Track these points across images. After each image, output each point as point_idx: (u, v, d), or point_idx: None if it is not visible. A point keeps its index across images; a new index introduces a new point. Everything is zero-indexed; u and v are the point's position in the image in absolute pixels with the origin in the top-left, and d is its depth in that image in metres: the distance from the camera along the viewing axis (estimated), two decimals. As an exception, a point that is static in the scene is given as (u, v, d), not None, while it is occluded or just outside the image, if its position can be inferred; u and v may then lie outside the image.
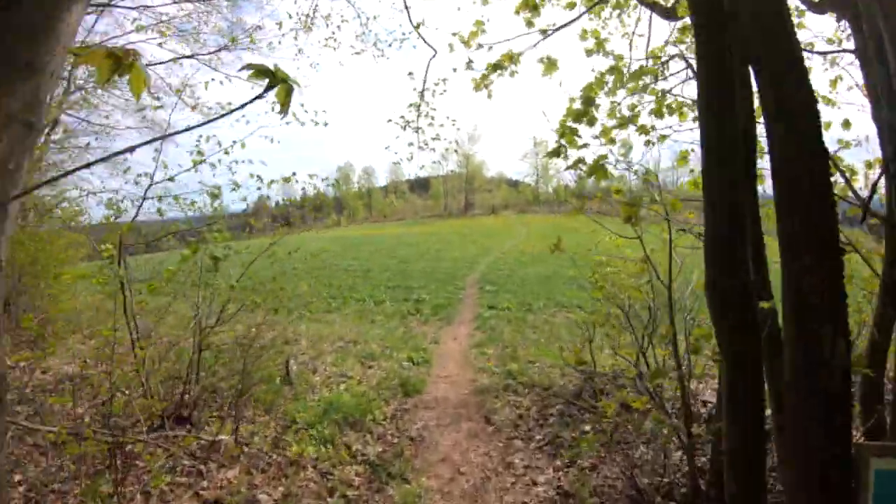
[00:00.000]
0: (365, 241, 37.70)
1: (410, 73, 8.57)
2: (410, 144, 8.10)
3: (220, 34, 11.72)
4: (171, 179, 3.97)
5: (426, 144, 8.27)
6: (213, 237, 4.09)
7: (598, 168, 2.83)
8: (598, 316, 5.65)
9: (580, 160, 3.09)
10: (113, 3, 10.97)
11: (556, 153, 3.20)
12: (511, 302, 11.89)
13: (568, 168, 3.14)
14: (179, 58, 11.19)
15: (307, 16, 9.43)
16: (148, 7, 10.92)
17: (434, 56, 8.31)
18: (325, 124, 5.30)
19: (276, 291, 4.53)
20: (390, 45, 9.31)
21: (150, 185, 3.91)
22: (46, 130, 10.37)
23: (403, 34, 8.97)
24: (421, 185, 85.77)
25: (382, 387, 5.54)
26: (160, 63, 11.33)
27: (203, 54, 11.48)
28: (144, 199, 3.83)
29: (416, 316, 10.63)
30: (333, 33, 9.60)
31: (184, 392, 4.43)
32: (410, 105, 8.29)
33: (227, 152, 4.39)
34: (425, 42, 8.41)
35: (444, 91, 8.20)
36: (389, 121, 8.02)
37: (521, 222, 56.67)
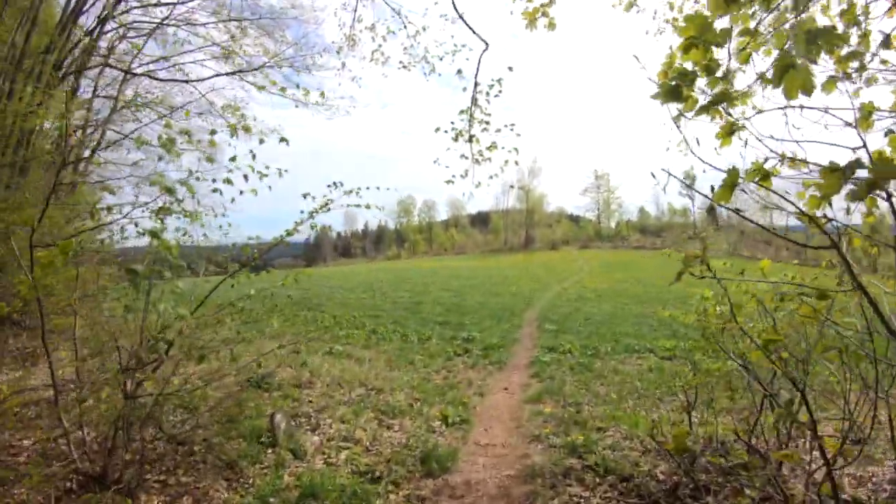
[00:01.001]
0: (424, 273, 36.78)
1: (460, 71, 7.43)
2: (463, 157, 6.92)
3: (265, 53, 11.35)
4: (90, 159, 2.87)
5: (481, 155, 7.05)
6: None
7: (792, 68, 1.34)
8: (706, 375, 3.99)
9: (724, 94, 1.61)
10: (163, 23, 10.86)
11: (675, 93, 1.74)
12: (574, 344, 10.13)
13: (701, 110, 1.66)
14: (220, 74, 10.83)
15: (349, 35, 8.72)
16: (193, 24, 10.70)
17: (486, 49, 7.15)
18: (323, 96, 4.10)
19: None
20: (441, 59, 8.33)
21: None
22: (94, 145, 10.18)
23: (455, 45, 7.96)
24: (481, 220, 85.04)
25: (397, 459, 4.05)
26: (201, 80, 11.04)
27: (246, 70, 11.06)
28: (55, 186, 2.73)
29: (463, 357, 9.10)
30: (380, 46, 8.77)
31: (112, 447, 3.22)
32: (461, 112, 7.10)
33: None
34: (475, 33, 7.30)
35: (500, 93, 7.00)
36: (437, 129, 6.87)
37: (583, 257, 54.02)
